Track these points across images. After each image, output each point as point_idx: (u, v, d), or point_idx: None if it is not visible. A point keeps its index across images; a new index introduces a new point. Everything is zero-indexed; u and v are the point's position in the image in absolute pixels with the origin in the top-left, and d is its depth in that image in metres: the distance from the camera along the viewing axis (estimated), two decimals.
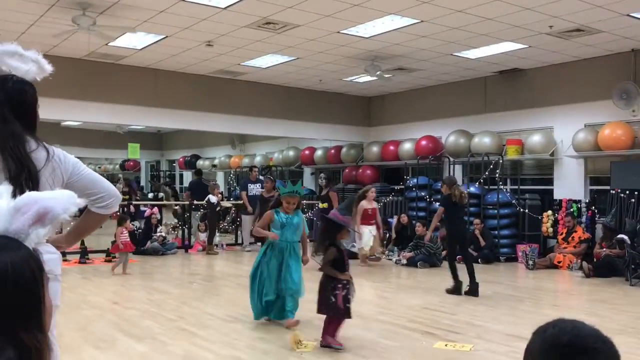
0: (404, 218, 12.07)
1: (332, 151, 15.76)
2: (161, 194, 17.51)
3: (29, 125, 2.32)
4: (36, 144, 2.30)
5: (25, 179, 2.17)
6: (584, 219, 10.60)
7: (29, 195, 1.13)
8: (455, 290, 7.63)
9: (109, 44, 10.29)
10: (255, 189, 12.58)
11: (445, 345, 5.27)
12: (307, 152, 16.67)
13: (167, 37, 9.89)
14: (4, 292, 0.98)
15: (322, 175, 10.84)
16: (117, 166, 27.11)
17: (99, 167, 27.13)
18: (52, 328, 2.32)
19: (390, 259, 11.29)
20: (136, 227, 12.56)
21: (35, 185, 2.19)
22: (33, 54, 2.38)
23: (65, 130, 19.33)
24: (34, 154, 2.26)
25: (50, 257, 2.26)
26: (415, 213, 12.60)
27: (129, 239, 9.64)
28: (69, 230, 2.60)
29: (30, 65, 2.36)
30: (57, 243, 2.40)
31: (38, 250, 1.09)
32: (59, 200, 1.14)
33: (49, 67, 2.42)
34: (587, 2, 7.79)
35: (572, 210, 10.61)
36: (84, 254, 10.40)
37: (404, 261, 10.63)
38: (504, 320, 6.35)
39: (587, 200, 10.78)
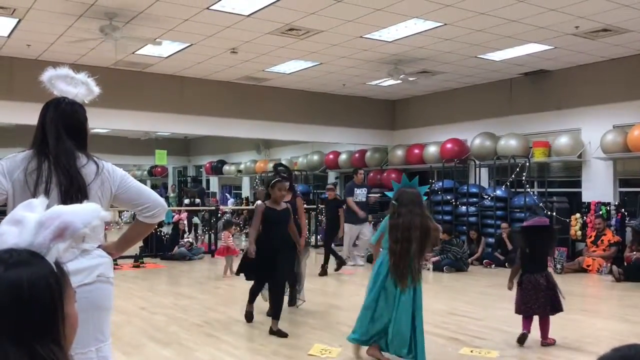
0: None
1: (357, 155, 15.76)
2: (197, 200, 17.76)
3: (80, 142, 2.50)
4: (87, 159, 2.47)
5: (75, 192, 2.34)
6: (613, 221, 10.41)
7: (53, 209, 1.16)
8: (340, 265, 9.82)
9: (135, 53, 10.47)
10: (361, 194, 10.90)
11: (471, 351, 5.23)
12: (331, 156, 16.69)
13: (192, 45, 10.02)
14: (18, 307, 1.01)
15: (280, 168, 6.99)
16: (145, 172, 27.48)
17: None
18: (106, 328, 2.44)
19: None
20: (163, 232, 12.72)
21: (84, 199, 2.34)
22: (83, 77, 2.57)
23: (93, 138, 19.59)
24: (84, 169, 2.43)
25: (102, 260, 2.44)
26: (441, 217, 12.51)
27: (233, 244, 10.22)
28: (119, 238, 2.75)
29: (79, 88, 2.55)
30: (107, 250, 2.55)
31: (62, 264, 1.12)
32: (80, 215, 1.17)
33: (96, 89, 2.61)
34: (614, 1, 7.68)
35: (601, 212, 10.44)
36: (113, 260, 10.56)
37: (430, 265, 10.57)
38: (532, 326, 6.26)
39: (616, 203, 10.59)
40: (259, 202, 6.00)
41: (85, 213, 1.19)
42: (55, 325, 1.05)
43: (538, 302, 5.28)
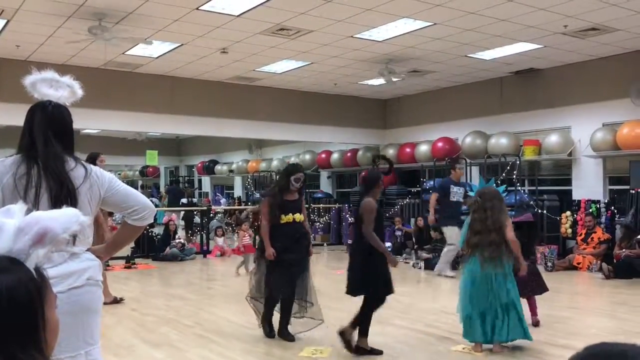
0: (420, 221, 12.05)
1: (349, 154, 15.78)
2: (194, 199, 17.79)
3: (67, 146, 2.49)
4: (75, 162, 2.46)
5: (65, 196, 2.33)
6: (603, 219, 10.48)
7: (32, 215, 1.16)
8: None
9: (125, 53, 10.43)
10: (458, 193, 9.25)
11: (463, 348, 5.25)
12: (323, 155, 16.70)
13: (182, 45, 10.00)
14: None
15: (298, 176, 5.70)
16: (137, 172, 27.40)
17: (119, 174, 27.42)
18: (96, 331, 2.44)
19: (408, 262, 11.26)
20: (155, 233, 12.69)
21: (74, 202, 2.34)
22: (68, 80, 2.55)
23: (84, 138, 19.59)
24: (73, 172, 2.42)
25: (91, 264, 2.43)
26: None
27: (250, 242, 10.08)
28: (107, 241, 2.77)
29: (61, 91, 2.52)
30: (97, 253, 2.54)
31: (42, 270, 1.12)
32: (59, 220, 1.17)
33: (80, 92, 2.58)
34: (602, 0, 7.72)
35: (591, 210, 10.50)
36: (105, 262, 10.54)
37: (421, 264, 10.60)
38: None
39: (606, 201, 10.66)
40: (368, 198, 5.31)
41: (65, 218, 1.19)
42: (36, 331, 1.05)
43: (530, 285, 5.97)
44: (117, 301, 7.36)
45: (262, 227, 5.68)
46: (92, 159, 7.24)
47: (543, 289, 6.22)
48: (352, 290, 5.11)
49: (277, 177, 5.90)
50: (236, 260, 12.07)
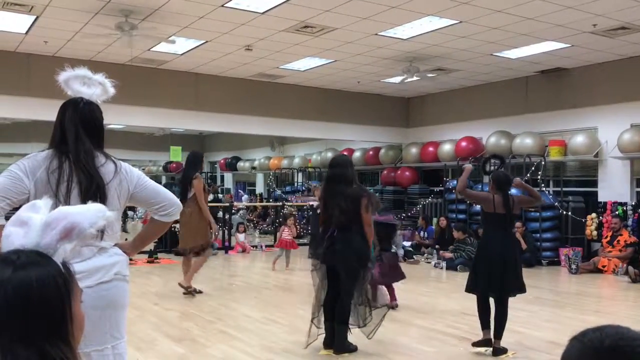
0: (443, 221, 11.96)
1: (371, 152, 15.74)
2: (221, 196, 17.89)
3: (98, 142, 2.55)
4: (105, 158, 2.51)
5: (94, 191, 2.38)
6: (630, 222, 10.29)
7: (59, 210, 1.17)
8: None
9: (150, 50, 10.52)
10: None
11: (485, 351, 5.20)
12: (345, 153, 16.66)
13: (207, 42, 10.05)
14: (28, 307, 1.03)
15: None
16: (161, 168, 27.63)
17: (143, 169, 27.61)
18: (122, 325, 2.48)
19: (429, 262, 11.20)
20: (177, 228, 12.77)
21: (103, 198, 2.39)
22: (100, 78, 2.61)
23: (108, 133, 19.74)
24: (103, 168, 2.47)
25: (119, 258, 2.47)
26: (455, 215, 12.45)
27: (290, 237, 10.34)
28: (134, 237, 2.79)
29: (94, 89, 2.58)
30: (123, 249, 2.57)
31: (68, 264, 1.13)
32: (86, 215, 1.18)
33: (112, 90, 2.64)
34: None
35: (617, 212, 10.32)
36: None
37: (443, 264, 10.52)
38: (544, 327, 6.23)
39: (633, 203, 10.47)
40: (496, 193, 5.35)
41: (91, 213, 1.20)
42: (64, 325, 1.06)
43: (390, 274, 7.11)
44: (195, 292, 7.64)
45: (370, 231, 5.13)
46: (199, 158, 7.47)
47: (400, 277, 7.26)
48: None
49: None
50: (256, 256, 12.13)
